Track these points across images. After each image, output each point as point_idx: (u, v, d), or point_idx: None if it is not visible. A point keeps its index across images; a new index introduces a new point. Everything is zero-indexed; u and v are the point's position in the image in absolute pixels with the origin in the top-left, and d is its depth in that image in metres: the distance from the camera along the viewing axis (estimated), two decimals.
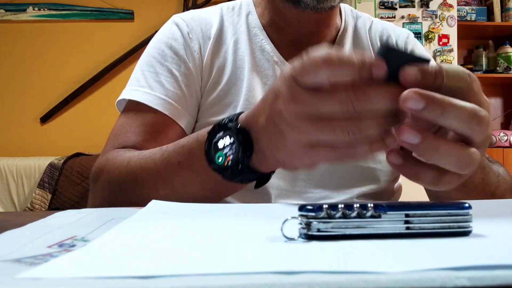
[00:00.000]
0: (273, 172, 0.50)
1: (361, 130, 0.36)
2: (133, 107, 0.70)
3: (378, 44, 0.82)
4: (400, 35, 0.84)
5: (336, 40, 0.79)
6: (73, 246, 0.27)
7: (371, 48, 0.80)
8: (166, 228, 0.33)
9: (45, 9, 3.10)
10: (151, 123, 0.69)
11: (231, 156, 0.46)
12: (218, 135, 0.47)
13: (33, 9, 3.09)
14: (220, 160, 0.46)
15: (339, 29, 0.80)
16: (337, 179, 0.72)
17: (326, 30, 0.77)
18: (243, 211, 0.43)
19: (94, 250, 0.25)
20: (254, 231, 0.31)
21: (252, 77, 0.74)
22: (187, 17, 0.78)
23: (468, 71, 0.38)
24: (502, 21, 2.99)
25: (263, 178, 0.50)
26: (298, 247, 0.26)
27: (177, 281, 0.18)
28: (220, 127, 0.47)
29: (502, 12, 2.99)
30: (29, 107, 3.10)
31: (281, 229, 0.27)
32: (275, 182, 0.70)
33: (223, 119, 0.47)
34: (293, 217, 0.28)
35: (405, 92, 0.34)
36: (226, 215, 0.40)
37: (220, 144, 0.47)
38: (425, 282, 0.18)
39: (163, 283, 0.18)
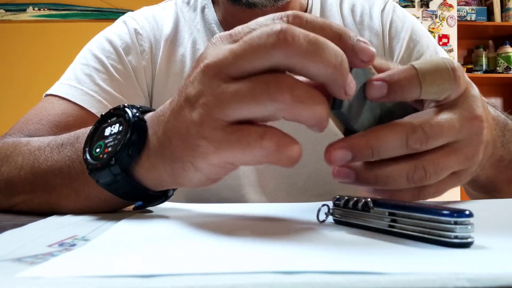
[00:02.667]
0: (164, 197, 0.38)
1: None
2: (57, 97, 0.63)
3: (352, 19, 0.71)
4: (375, 4, 0.72)
5: None
6: (74, 245, 0.27)
7: (343, 25, 0.68)
8: (166, 227, 0.33)
9: (45, 9, 3.09)
10: (68, 119, 0.61)
11: (110, 148, 0.34)
12: (110, 120, 0.36)
13: (33, 9, 3.08)
14: (97, 151, 0.35)
15: (306, 8, 0.71)
16: (320, 187, 0.67)
17: None
18: (243, 210, 0.43)
19: (95, 249, 0.25)
20: (254, 230, 0.31)
21: None
22: (138, 14, 0.72)
23: (448, 61, 0.31)
24: (502, 21, 2.99)
25: (144, 198, 0.37)
26: (298, 246, 0.26)
27: (177, 280, 0.18)
28: (117, 110, 0.36)
29: (502, 12, 3.00)
30: (29, 107, 3.09)
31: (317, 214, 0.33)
32: (255, 197, 0.65)
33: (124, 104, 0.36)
34: (324, 205, 0.33)
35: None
36: (226, 215, 0.40)
37: (107, 132, 0.36)
38: (425, 283, 0.18)
39: (163, 282, 0.18)
